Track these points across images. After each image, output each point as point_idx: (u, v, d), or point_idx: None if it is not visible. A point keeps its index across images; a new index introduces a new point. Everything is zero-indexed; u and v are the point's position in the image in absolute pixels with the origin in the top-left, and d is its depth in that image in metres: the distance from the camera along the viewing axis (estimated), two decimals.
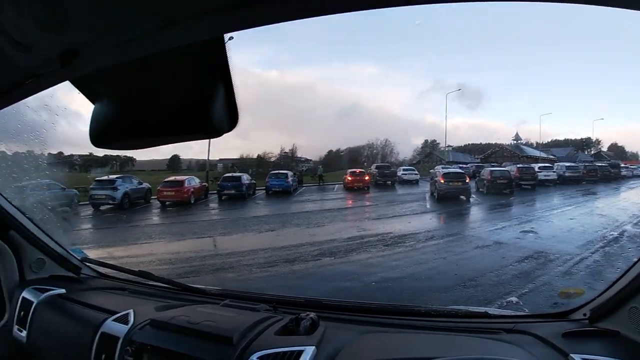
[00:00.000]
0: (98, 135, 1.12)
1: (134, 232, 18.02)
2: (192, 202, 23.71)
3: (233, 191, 25.37)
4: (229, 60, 0.95)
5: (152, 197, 24.36)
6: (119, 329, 1.88)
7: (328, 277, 10.36)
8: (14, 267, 2.64)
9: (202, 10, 0.76)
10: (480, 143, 54.30)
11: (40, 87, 1.24)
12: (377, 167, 33.89)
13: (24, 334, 2.41)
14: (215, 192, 25.94)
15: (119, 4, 0.78)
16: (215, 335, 1.71)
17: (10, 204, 2.54)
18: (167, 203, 23.33)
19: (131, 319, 1.92)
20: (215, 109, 0.95)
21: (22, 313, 2.47)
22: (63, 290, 2.55)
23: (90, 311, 2.21)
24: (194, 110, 0.99)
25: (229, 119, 0.98)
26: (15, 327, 2.48)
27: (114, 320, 1.97)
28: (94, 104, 1.15)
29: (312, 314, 1.75)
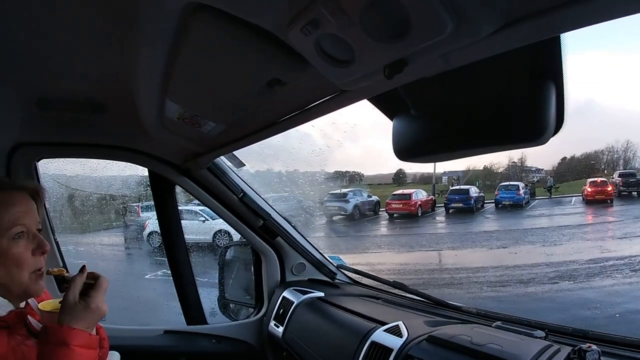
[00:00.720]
0: (402, 149, 1.17)
1: (364, 242, 18.72)
2: (419, 214, 23.77)
3: (461, 204, 24.59)
4: (563, 58, 0.86)
5: (381, 209, 25.12)
6: (392, 341, 1.82)
7: (566, 303, 9.52)
8: (276, 269, 2.94)
9: (544, 7, 0.70)
10: None
11: (344, 103, 1.31)
12: (620, 175, 29.41)
13: (280, 329, 2.62)
14: (442, 205, 25.66)
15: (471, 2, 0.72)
16: None
17: (278, 214, 2.83)
18: (394, 215, 23.80)
19: (404, 331, 1.85)
20: (540, 114, 0.88)
21: (281, 311, 2.70)
22: (322, 294, 2.71)
23: (354, 317, 2.24)
24: (515, 117, 0.95)
25: (556, 123, 0.90)
26: (272, 322, 2.73)
27: (385, 330, 1.92)
28: (391, 119, 1.19)
29: (593, 346, 1.57)
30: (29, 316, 1.53)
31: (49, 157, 2.61)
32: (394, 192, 25.49)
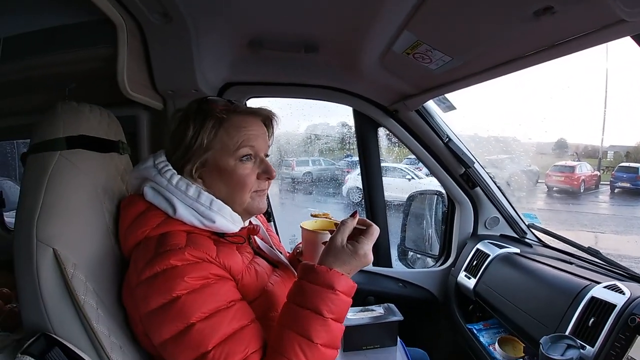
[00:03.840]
0: None
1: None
2: (582, 190, 22.03)
3: (628, 184, 22.30)
4: None
5: (539, 181, 23.69)
6: (615, 297, 1.72)
7: None
8: (470, 220, 2.90)
9: None
10: None
11: (614, 36, 1.20)
12: None
13: (472, 281, 2.58)
14: (608, 182, 23.43)
15: None
16: None
17: (480, 164, 2.76)
18: (554, 188, 22.31)
19: (625, 289, 1.75)
20: None
21: (474, 262, 2.66)
22: (518, 250, 2.63)
23: (562, 273, 2.13)
24: None
25: None
26: (463, 274, 2.70)
27: (605, 287, 1.82)
28: None
29: None
30: (254, 236, 1.64)
31: (257, 96, 2.72)
32: (556, 164, 23.77)
